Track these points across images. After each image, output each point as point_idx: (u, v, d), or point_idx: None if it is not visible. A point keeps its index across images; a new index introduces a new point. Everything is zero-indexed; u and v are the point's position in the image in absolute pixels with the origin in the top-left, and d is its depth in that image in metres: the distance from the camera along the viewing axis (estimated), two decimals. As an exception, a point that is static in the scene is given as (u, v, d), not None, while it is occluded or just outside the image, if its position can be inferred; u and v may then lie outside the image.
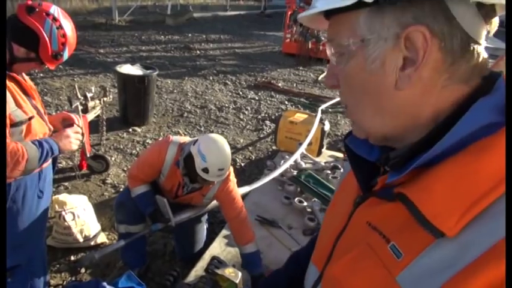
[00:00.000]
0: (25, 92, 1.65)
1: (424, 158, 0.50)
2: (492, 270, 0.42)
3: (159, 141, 2.49)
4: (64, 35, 1.61)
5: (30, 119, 1.57)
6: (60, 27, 1.59)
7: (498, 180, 0.45)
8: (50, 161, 1.79)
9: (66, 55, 1.67)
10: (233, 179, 2.38)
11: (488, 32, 0.52)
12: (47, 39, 1.56)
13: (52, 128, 1.80)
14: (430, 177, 0.49)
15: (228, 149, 2.15)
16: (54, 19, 1.58)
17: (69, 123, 1.87)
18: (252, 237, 2.31)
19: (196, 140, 2.16)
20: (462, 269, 0.44)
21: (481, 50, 0.51)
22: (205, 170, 2.09)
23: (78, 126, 1.87)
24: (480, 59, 0.51)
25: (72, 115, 1.91)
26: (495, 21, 0.52)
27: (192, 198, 2.41)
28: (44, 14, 1.57)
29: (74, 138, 1.79)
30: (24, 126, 1.56)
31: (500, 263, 0.41)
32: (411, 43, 0.49)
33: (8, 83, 1.49)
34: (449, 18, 0.47)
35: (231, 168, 2.36)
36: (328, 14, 0.55)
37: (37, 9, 1.57)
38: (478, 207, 0.45)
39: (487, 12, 0.49)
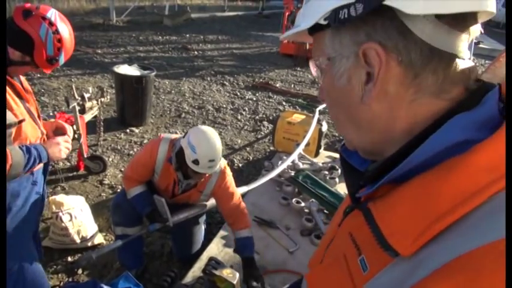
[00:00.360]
0: (19, 95, 1.63)
1: (391, 175, 0.50)
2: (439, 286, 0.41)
3: (151, 140, 2.49)
4: (60, 40, 1.58)
5: (20, 122, 1.55)
6: (56, 31, 1.57)
7: (458, 202, 0.43)
8: (41, 164, 1.77)
9: (62, 60, 1.65)
10: (229, 173, 2.38)
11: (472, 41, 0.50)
12: (42, 43, 1.55)
13: (45, 132, 1.79)
14: (395, 195, 0.49)
15: (218, 141, 2.13)
16: (51, 23, 1.55)
17: (61, 132, 1.86)
18: (248, 224, 2.35)
19: (187, 132, 2.17)
20: (412, 286, 0.43)
21: (459, 61, 0.50)
22: (196, 162, 2.08)
23: (69, 136, 1.87)
24: (457, 70, 0.49)
25: (65, 125, 1.90)
26: (473, 29, 0.50)
27: (189, 196, 2.40)
28: (41, 18, 1.54)
29: (64, 146, 1.78)
30: (13, 129, 1.53)
31: (445, 282, 0.40)
32: (369, 59, 0.50)
33: None
34: (404, 33, 0.47)
35: (225, 163, 2.36)
36: (310, 32, 0.57)
37: (34, 13, 1.54)
38: (435, 228, 0.44)
39: (458, 22, 0.48)
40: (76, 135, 2.32)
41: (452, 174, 0.45)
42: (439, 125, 0.47)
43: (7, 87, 1.53)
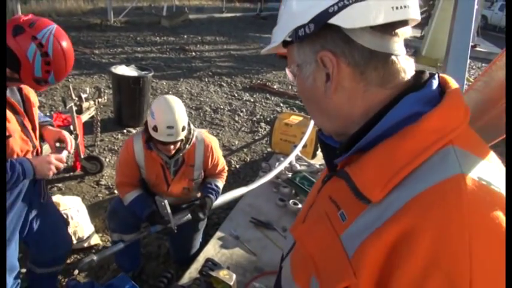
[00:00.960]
0: (13, 109, 1.58)
1: (361, 143, 0.63)
2: (397, 225, 0.54)
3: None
4: (49, 63, 1.49)
5: (7, 138, 1.51)
6: (45, 54, 1.47)
7: (413, 157, 0.58)
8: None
9: (53, 80, 1.56)
10: (214, 140, 2.41)
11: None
12: (29, 64, 1.46)
13: (38, 147, 1.73)
14: (365, 158, 0.63)
15: (179, 108, 2.10)
16: (41, 45, 1.45)
17: (61, 146, 1.82)
18: (221, 178, 2.49)
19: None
20: (379, 226, 0.56)
21: (395, 59, 0.64)
22: (155, 129, 2.07)
23: (69, 152, 1.84)
24: (395, 65, 0.64)
25: (69, 140, 1.84)
26: (401, 32, 0.64)
27: (184, 176, 2.36)
28: (31, 37, 1.44)
29: (54, 165, 1.72)
30: None
31: (403, 219, 0.54)
32: (325, 63, 0.64)
33: None
34: (348, 42, 0.62)
35: (207, 135, 2.39)
36: (284, 46, 0.72)
37: (25, 30, 1.45)
38: (398, 177, 0.58)
39: (387, 28, 0.61)
40: (73, 136, 2.30)
41: (407, 137, 0.59)
42: (390, 106, 0.62)
43: None
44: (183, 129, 2.13)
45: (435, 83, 0.65)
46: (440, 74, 0.68)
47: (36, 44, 1.45)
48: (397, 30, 0.63)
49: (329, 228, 0.67)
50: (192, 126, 2.30)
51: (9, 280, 1.91)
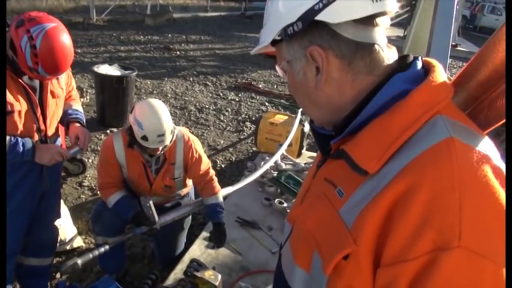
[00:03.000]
0: (25, 91, 1.76)
1: (355, 123, 0.67)
2: (392, 190, 0.58)
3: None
4: (36, 55, 1.62)
5: (8, 113, 1.69)
6: (33, 46, 1.61)
7: (404, 128, 0.62)
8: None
9: (43, 72, 1.68)
10: (194, 138, 2.38)
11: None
12: (22, 53, 1.63)
13: (45, 130, 1.90)
14: (360, 135, 0.67)
15: (164, 112, 2.08)
16: (31, 38, 1.60)
17: (76, 144, 2.00)
18: (216, 191, 2.39)
19: (133, 108, 2.13)
20: (376, 194, 0.60)
21: (378, 48, 0.68)
22: (145, 138, 2.04)
23: (82, 150, 2.02)
24: (379, 53, 0.68)
25: (82, 137, 2.00)
26: (382, 22, 0.68)
27: (165, 174, 2.34)
28: (26, 30, 1.61)
29: (56, 156, 1.87)
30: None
31: (396, 183, 0.58)
32: (314, 57, 0.68)
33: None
34: (334, 36, 0.66)
35: (184, 129, 2.37)
36: (272, 45, 0.76)
37: (24, 24, 1.62)
38: (391, 149, 0.62)
39: (369, 20, 0.66)
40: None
41: (397, 112, 0.63)
42: (379, 88, 0.66)
43: (12, 82, 1.70)
44: (171, 132, 2.13)
45: (419, 64, 0.70)
46: (424, 58, 0.73)
47: (28, 37, 1.61)
48: (377, 21, 0.67)
49: (327, 205, 0.70)
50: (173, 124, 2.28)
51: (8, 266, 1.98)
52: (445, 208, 0.54)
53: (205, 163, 2.39)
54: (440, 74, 0.67)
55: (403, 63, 0.70)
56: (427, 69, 0.69)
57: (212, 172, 2.42)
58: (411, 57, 0.72)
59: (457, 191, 0.54)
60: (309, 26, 0.66)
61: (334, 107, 0.72)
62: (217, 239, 2.34)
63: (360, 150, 0.65)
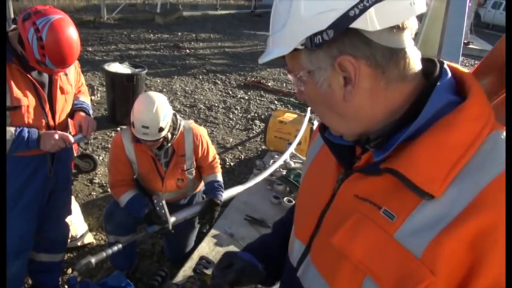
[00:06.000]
0: (34, 86, 1.77)
1: (407, 134, 0.61)
2: (475, 221, 0.55)
3: None
4: (43, 47, 1.62)
5: (14, 108, 1.71)
6: (39, 39, 1.61)
7: (465, 148, 0.58)
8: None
9: (50, 65, 1.68)
10: (202, 130, 2.44)
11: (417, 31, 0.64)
12: (29, 46, 1.64)
13: (53, 124, 1.91)
14: (412, 151, 0.61)
15: (159, 109, 2.08)
16: (37, 30, 1.60)
17: (79, 132, 2.01)
18: (215, 170, 2.47)
19: None
20: (451, 221, 0.56)
21: (409, 52, 0.63)
22: (133, 124, 2.10)
23: (87, 137, 2.04)
24: (412, 59, 0.64)
25: (85, 125, 2.01)
26: (410, 25, 0.63)
27: (177, 167, 2.36)
28: (32, 23, 1.61)
29: (59, 142, 1.86)
30: (9, 113, 1.71)
31: (480, 214, 0.55)
32: (344, 67, 0.61)
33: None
34: (368, 43, 0.60)
35: (194, 124, 2.42)
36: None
37: (31, 17, 1.62)
38: (455, 170, 0.58)
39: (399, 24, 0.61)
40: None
41: (454, 127, 0.59)
42: (423, 97, 0.62)
43: (20, 77, 1.72)
44: (161, 130, 2.11)
45: (448, 70, 0.66)
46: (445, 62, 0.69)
47: (34, 29, 1.61)
48: (407, 23, 0.62)
49: (374, 229, 0.64)
50: (178, 117, 2.32)
51: (16, 263, 2.02)
52: None
53: (212, 153, 2.48)
54: (477, 82, 0.63)
55: (430, 68, 0.66)
56: (456, 75, 0.66)
57: (217, 157, 2.52)
58: (436, 62, 0.67)
59: None
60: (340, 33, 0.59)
61: (364, 119, 0.66)
62: (206, 216, 2.34)
63: (419, 171, 0.59)
